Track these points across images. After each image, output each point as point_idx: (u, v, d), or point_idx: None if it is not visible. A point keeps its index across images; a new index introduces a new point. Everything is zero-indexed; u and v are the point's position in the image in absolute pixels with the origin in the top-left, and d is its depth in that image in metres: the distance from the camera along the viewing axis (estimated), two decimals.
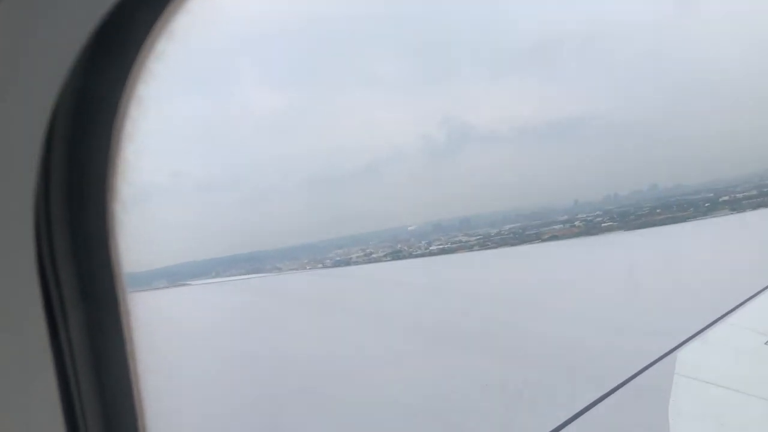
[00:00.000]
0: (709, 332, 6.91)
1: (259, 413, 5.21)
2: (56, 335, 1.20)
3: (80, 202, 1.29)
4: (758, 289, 8.69)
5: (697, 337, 6.70)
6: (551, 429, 4.52)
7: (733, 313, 7.60)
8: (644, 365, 5.77)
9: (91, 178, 1.30)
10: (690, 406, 5.07)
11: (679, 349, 6.29)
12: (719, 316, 7.40)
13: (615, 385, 5.30)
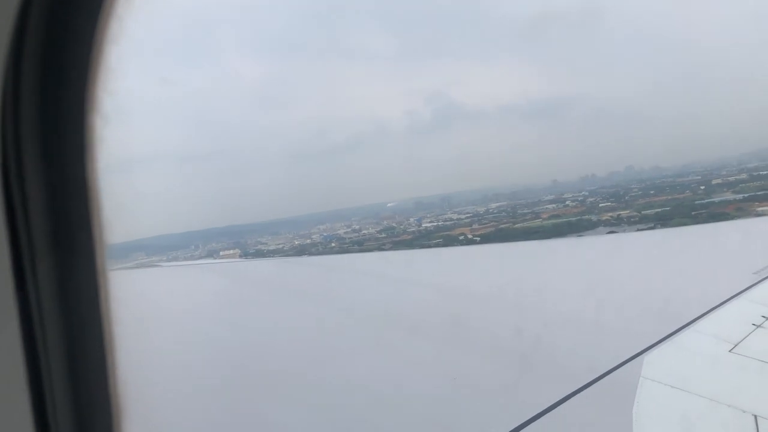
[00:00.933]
0: (677, 337, 7.03)
1: (224, 394, 5.16)
2: (23, 286, 1.07)
3: (55, 113, 1.11)
4: (725, 298, 8.87)
5: (665, 341, 6.81)
6: (519, 424, 4.55)
7: (700, 319, 7.74)
8: (613, 366, 5.85)
9: (68, 84, 1.11)
10: (653, 409, 5.15)
11: (648, 351, 6.39)
12: (687, 321, 7.54)
13: (582, 384, 5.36)
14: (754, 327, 7.67)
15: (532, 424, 4.59)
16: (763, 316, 8.14)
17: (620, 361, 6.03)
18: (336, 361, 6.02)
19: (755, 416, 5.19)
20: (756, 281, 10.15)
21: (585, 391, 5.27)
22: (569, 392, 5.17)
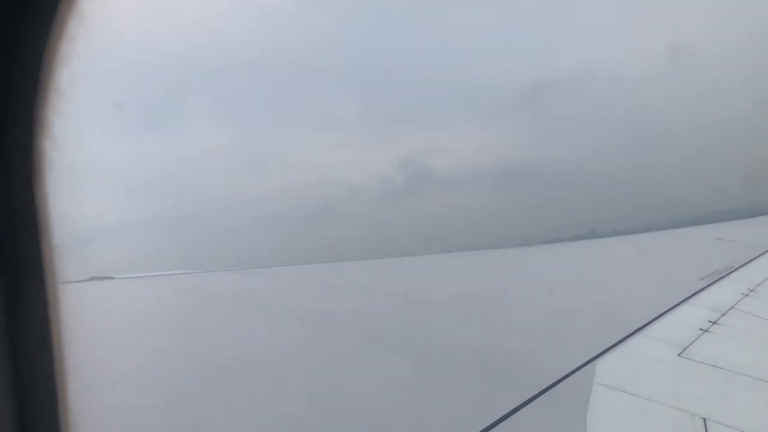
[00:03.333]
0: (628, 342, 7.15)
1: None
2: None
3: (2, 136, 1.08)
4: (673, 304, 9.11)
5: (616, 347, 6.92)
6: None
7: (650, 325, 7.91)
8: (565, 374, 5.89)
9: (15, 107, 1.08)
10: (607, 415, 5.20)
11: (599, 358, 6.47)
12: (637, 327, 7.69)
13: (536, 392, 5.37)
14: (701, 332, 7.88)
15: None
16: (710, 321, 8.39)
17: (573, 368, 6.08)
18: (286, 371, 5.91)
19: (704, 419, 5.29)
20: (703, 286, 10.48)
21: (539, 398, 5.28)
22: (523, 400, 5.17)
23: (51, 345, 1.16)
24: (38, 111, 1.09)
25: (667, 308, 8.78)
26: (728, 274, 12.00)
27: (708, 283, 10.77)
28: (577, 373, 6.00)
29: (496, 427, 4.64)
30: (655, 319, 8.20)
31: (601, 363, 6.32)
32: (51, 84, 1.10)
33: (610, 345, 6.92)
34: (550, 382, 5.63)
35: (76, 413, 1.21)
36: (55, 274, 1.15)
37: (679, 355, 6.98)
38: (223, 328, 7.62)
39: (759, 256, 14.70)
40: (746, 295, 10.25)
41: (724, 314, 8.81)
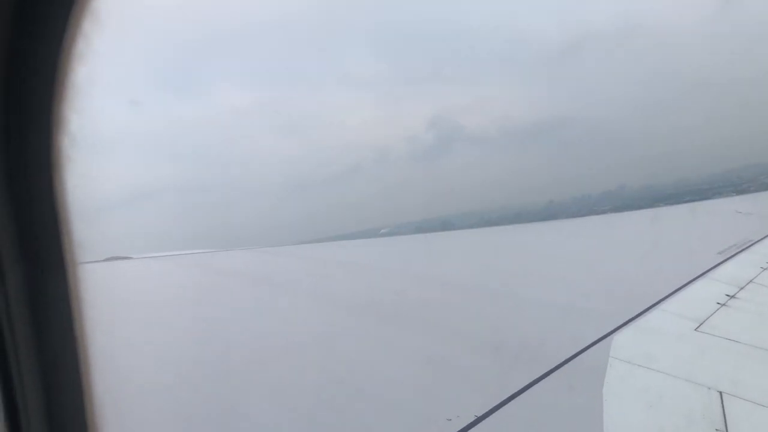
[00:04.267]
0: (645, 317, 7.16)
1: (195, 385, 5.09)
2: None
3: (21, 133, 1.11)
4: (691, 278, 9.07)
5: (632, 321, 6.93)
6: (491, 407, 4.58)
7: (667, 299, 7.90)
8: (581, 348, 5.94)
9: (33, 105, 1.11)
10: (622, 388, 5.24)
11: (616, 332, 6.50)
12: (654, 302, 7.68)
13: (552, 366, 5.42)
14: (719, 306, 7.86)
15: (504, 407, 4.63)
16: (727, 295, 8.35)
17: (589, 343, 6.12)
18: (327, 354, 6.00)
19: (720, 393, 5.31)
20: (720, 261, 10.40)
21: (555, 372, 5.33)
22: (540, 374, 5.23)
23: (74, 332, 1.20)
24: (56, 108, 1.13)
25: (685, 282, 8.75)
26: (747, 247, 11.89)
27: (726, 257, 10.68)
28: (593, 347, 6.04)
29: (512, 401, 4.71)
30: (672, 293, 8.18)
31: (617, 337, 6.35)
32: (68, 82, 1.12)
33: (627, 319, 6.94)
34: (567, 357, 5.68)
35: (102, 399, 1.26)
36: (75, 263, 1.20)
37: (696, 329, 6.98)
38: (246, 307, 7.73)
39: None
40: (765, 269, 10.15)
41: (742, 288, 8.76)
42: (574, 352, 5.80)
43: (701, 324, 7.12)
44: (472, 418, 4.38)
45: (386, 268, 11.10)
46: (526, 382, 5.05)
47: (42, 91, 1.11)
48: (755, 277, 9.57)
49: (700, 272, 9.42)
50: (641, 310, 7.32)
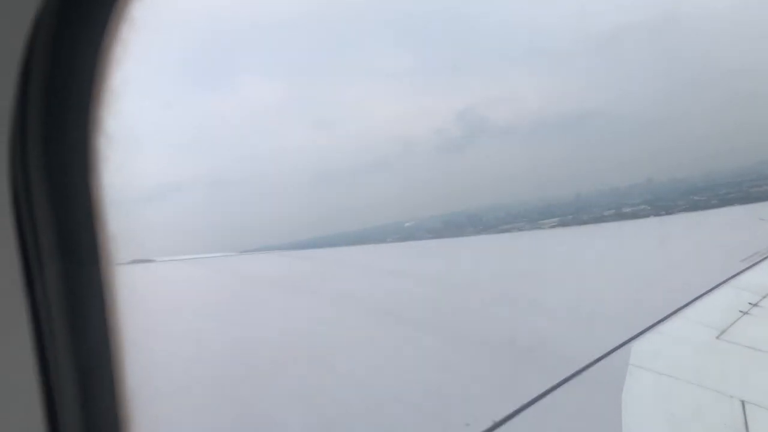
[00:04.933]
0: (665, 324, 7.10)
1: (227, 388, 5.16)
2: (32, 289, 1.12)
3: (60, 134, 1.18)
4: (713, 285, 8.96)
5: (653, 328, 6.88)
6: (510, 411, 4.59)
7: (688, 307, 7.82)
8: (600, 355, 5.91)
9: (72, 107, 1.17)
10: (642, 396, 5.21)
11: (635, 339, 6.45)
12: (675, 309, 7.61)
13: (571, 373, 5.40)
14: (741, 314, 7.76)
15: (523, 413, 4.63)
16: (750, 303, 8.24)
17: (609, 349, 6.09)
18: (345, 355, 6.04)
19: (743, 402, 5.26)
20: (743, 268, 10.26)
21: (574, 379, 5.31)
22: (559, 381, 5.22)
23: (110, 330, 1.25)
24: (94, 110, 1.18)
25: (706, 290, 8.65)
26: None
27: (749, 265, 10.53)
28: (612, 354, 6.01)
29: (531, 406, 4.71)
30: (693, 300, 8.10)
31: (637, 344, 6.31)
32: (105, 85, 1.18)
33: (647, 326, 6.89)
34: (586, 363, 5.66)
35: (136, 398, 1.31)
36: (111, 261, 1.25)
37: (717, 337, 6.91)
38: (274, 311, 7.77)
39: None
40: None
41: (765, 296, 8.64)
42: (594, 358, 5.78)
43: (723, 332, 7.04)
44: (491, 423, 4.40)
45: (405, 270, 11.12)
46: (546, 388, 5.04)
47: (80, 93, 1.17)
48: None
49: (723, 279, 9.30)
50: (662, 317, 7.26)
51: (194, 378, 5.20)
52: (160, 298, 8.01)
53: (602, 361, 5.79)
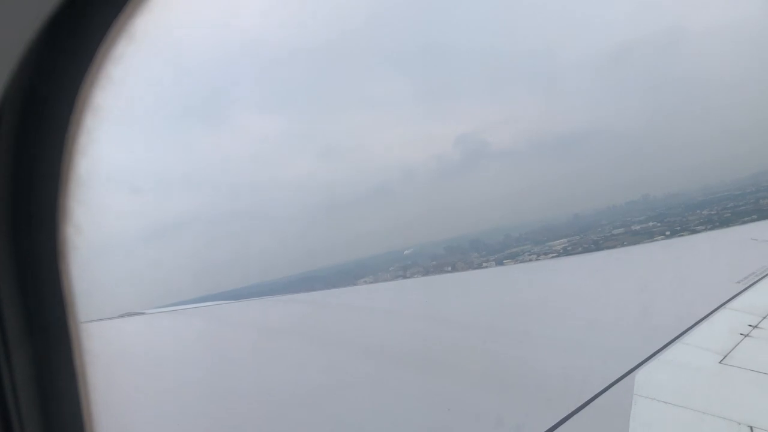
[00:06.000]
0: (667, 352, 7.03)
1: None
2: None
3: (27, 223, 1.15)
4: (711, 309, 8.92)
5: (655, 356, 6.80)
6: None
7: (688, 332, 7.76)
8: (604, 387, 5.82)
9: (40, 196, 1.15)
10: (649, 426, 5.11)
11: (638, 369, 6.37)
12: (675, 335, 7.55)
13: (576, 407, 5.31)
14: (742, 336, 7.71)
15: None
16: (750, 325, 8.20)
17: (612, 380, 6.00)
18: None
19: (751, 428, 5.17)
20: (740, 290, 10.25)
21: (579, 413, 5.22)
22: (564, 415, 5.12)
23: (79, 392, 1.22)
24: (61, 200, 1.17)
25: (705, 314, 8.61)
26: (766, 275, 11.71)
27: (745, 286, 10.53)
28: (616, 385, 5.92)
29: None
30: (692, 325, 8.04)
31: (639, 374, 6.23)
32: (72, 175, 1.18)
33: (648, 355, 6.82)
34: (590, 396, 5.57)
35: None
36: (80, 341, 1.21)
37: (720, 362, 6.84)
38: (273, 360, 7.62)
39: None
40: None
41: (765, 318, 8.60)
42: (597, 391, 5.69)
43: (725, 356, 6.97)
44: None
45: (399, 310, 11.03)
46: (551, 423, 4.95)
47: (47, 186, 1.16)
48: None
49: (720, 303, 9.27)
50: (663, 345, 7.19)
51: None
52: (142, 352, 7.84)
53: (606, 393, 5.71)
